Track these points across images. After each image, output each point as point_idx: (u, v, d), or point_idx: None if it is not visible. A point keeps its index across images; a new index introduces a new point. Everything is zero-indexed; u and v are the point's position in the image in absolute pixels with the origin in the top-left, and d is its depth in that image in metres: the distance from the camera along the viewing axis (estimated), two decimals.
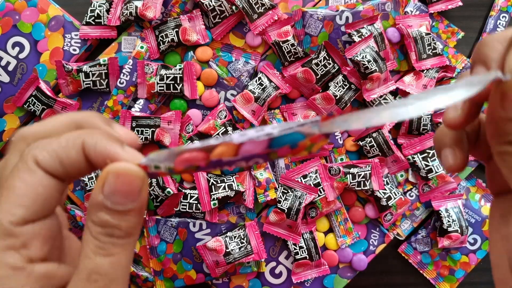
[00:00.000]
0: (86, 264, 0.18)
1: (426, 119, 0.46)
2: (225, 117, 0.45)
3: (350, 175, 0.45)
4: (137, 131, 0.44)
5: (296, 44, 0.45)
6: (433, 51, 0.46)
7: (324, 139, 0.18)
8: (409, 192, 0.47)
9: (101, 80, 0.45)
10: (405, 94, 0.46)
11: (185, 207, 0.45)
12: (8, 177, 0.18)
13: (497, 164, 0.18)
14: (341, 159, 0.46)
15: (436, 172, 0.45)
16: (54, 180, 0.19)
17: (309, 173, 0.45)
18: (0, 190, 0.18)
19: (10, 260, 0.18)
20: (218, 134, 0.44)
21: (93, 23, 0.46)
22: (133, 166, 0.19)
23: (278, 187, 0.45)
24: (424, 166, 0.46)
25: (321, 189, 0.44)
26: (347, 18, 0.45)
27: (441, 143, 0.21)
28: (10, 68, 0.46)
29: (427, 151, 0.46)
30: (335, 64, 0.45)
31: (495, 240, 0.19)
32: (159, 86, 0.45)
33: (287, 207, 0.44)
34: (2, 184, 0.19)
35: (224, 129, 0.45)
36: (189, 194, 0.45)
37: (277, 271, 0.46)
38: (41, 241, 0.18)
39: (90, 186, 0.44)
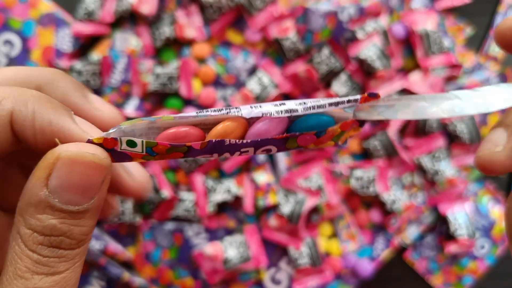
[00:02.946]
0: (17, 287, 0.13)
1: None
2: None
3: (354, 177, 0.43)
4: None
5: (297, 41, 0.44)
6: (440, 49, 0.44)
7: (356, 128, 0.14)
8: (415, 195, 0.46)
9: (94, 79, 0.44)
10: (411, 92, 0.45)
11: (181, 211, 0.43)
12: None
13: None
14: (345, 161, 0.45)
15: (443, 175, 0.44)
16: None
17: (311, 176, 0.44)
18: None
19: None
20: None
21: (86, 19, 0.45)
22: (96, 149, 0.14)
23: (279, 191, 0.43)
24: (431, 169, 0.44)
25: (323, 193, 0.43)
26: (350, 14, 0.44)
27: None
28: (1, 66, 0.45)
29: (434, 153, 0.44)
30: (338, 62, 0.44)
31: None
32: (154, 85, 0.44)
33: (288, 211, 0.42)
34: None
35: None
36: (186, 198, 0.44)
37: (277, 277, 0.45)
38: None
39: None
